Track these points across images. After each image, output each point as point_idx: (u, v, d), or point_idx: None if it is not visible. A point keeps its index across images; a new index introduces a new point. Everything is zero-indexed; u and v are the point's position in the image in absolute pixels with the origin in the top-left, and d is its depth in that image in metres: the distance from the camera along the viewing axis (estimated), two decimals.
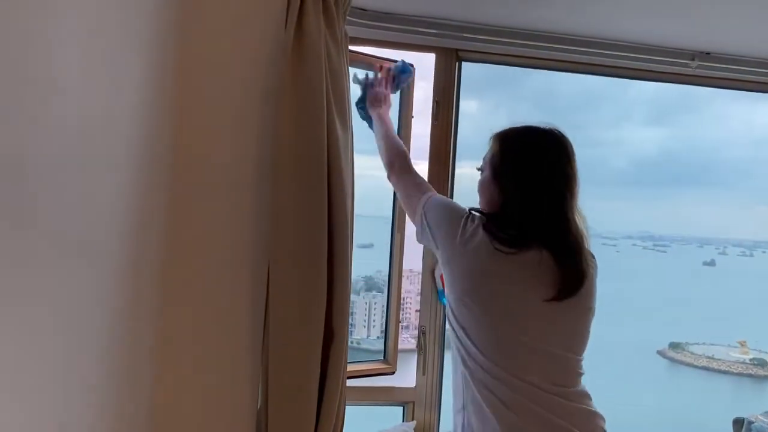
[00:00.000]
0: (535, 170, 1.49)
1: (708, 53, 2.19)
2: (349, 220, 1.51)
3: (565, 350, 1.47)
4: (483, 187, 1.59)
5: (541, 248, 1.45)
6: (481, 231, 1.46)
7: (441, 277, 2.11)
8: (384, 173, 2.33)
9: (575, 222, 1.49)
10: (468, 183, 1.80)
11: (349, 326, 3.20)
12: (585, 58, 2.19)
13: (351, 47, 2.13)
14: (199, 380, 1.40)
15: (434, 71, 2.23)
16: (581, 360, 1.51)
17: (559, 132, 1.54)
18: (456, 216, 1.52)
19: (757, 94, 2.51)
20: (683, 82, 2.42)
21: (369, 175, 2.62)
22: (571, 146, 1.53)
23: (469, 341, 1.42)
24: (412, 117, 2.35)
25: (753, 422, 2.33)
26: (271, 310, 1.38)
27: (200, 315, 1.40)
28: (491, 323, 1.42)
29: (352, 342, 3.13)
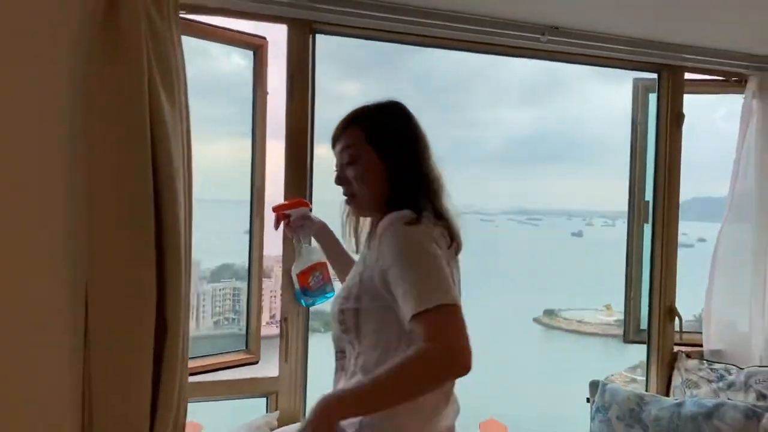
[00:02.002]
0: (414, 135, 1.45)
1: (556, 28, 2.23)
2: (183, 206, 1.37)
3: None
4: (367, 173, 1.41)
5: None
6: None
7: (298, 276, 1.97)
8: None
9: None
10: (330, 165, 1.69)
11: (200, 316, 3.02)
12: (437, 32, 2.16)
13: (196, 17, 1.97)
14: (9, 396, 1.22)
15: (287, 44, 2.11)
16: None
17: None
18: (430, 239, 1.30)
19: (616, 75, 2.62)
20: (537, 57, 2.47)
21: (234, 158, 2.47)
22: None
23: None
24: (267, 94, 2.23)
25: (607, 384, 2.45)
26: (90, 311, 1.22)
27: (8, 321, 1.22)
28: None
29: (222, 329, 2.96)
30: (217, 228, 2.57)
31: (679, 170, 2.61)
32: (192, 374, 1.80)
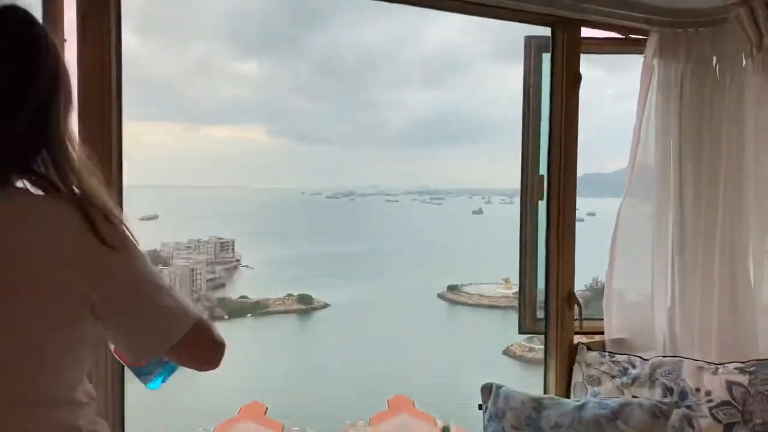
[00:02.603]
0: None
1: None
2: None
3: None
4: None
5: None
6: None
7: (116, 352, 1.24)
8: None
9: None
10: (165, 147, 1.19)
11: None
12: None
13: None
14: None
15: None
16: None
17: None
18: None
19: (514, 53, 2.28)
20: (414, 4, 2.07)
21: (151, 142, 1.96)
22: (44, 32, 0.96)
23: None
24: (65, 41, 1.70)
25: (501, 387, 2.12)
26: None
27: None
28: None
29: None
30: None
31: (577, 137, 2.29)
32: None
